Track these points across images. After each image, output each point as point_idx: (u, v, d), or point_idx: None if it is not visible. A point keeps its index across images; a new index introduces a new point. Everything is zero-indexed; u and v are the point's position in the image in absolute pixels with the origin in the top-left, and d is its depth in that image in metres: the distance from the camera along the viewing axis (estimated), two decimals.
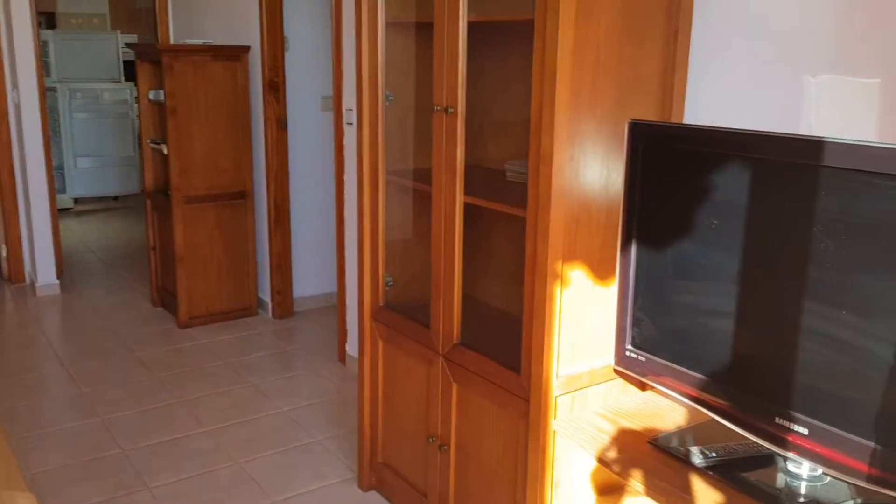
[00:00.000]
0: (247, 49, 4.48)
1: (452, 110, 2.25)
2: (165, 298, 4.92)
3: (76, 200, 8.04)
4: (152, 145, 4.75)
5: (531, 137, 1.97)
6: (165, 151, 4.47)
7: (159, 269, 4.95)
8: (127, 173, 8.11)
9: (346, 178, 3.94)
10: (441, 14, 2.23)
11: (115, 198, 8.32)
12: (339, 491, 2.92)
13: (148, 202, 4.90)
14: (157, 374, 3.97)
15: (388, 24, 2.57)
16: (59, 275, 5.40)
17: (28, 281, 5.47)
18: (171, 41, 5.59)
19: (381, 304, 2.75)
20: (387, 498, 2.84)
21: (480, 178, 2.56)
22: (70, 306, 5.08)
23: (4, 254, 5.51)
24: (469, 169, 2.32)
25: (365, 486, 2.91)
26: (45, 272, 5.25)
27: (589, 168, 1.99)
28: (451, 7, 2.19)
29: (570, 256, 2.01)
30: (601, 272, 2.08)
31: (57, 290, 5.28)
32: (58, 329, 4.74)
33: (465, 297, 2.42)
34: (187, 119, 4.40)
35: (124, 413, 3.52)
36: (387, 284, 2.75)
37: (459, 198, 2.29)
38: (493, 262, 2.75)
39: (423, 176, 2.57)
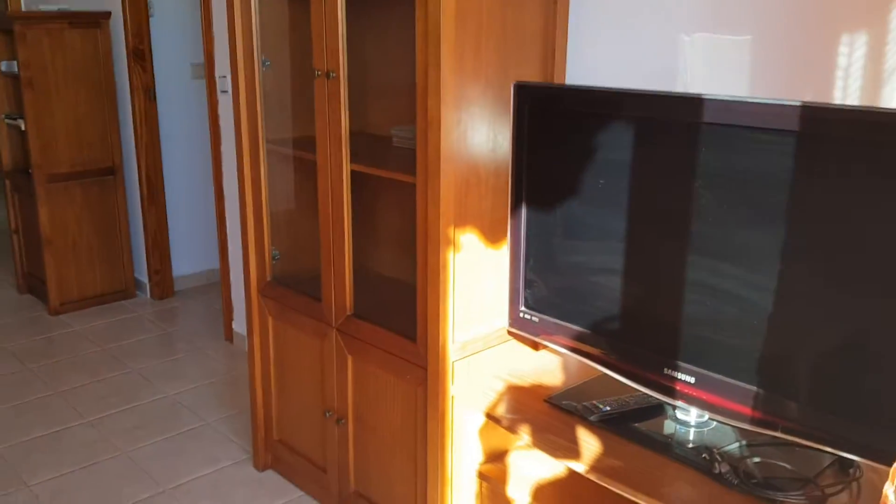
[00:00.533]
0: (107, 15, 4.20)
1: (334, 75, 2.18)
2: (33, 284, 4.61)
3: None
4: (8, 121, 4.40)
5: (417, 102, 1.94)
6: (23, 127, 4.15)
7: (24, 254, 4.62)
8: None
9: (222, 148, 3.78)
10: None
11: None
12: (234, 472, 2.84)
13: (7, 182, 4.56)
14: (28, 365, 3.73)
15: None
16: None
17: None
18: (23, 7, 5.17)
19: (268, 278, 2.66)
20: (284, 476, 2.79)
21: (366, 144, 2.51)
22: None
23: None
24: (354, 136, 2.26)
25: (261, 466, 2.84)
26: None
27: (476, 131, 1.97)
28: None
29: (461, 221, 2.00)
30: (493, 235, 2.08)
31: None
32: None
33: (357, 268, 2.38)
34: (46, 91, 4.10)
35: None
36: (273, 258, 2.67)
37: (346, 166, 2.24)
38: (384, 230, 2.71)
39: (306, 144, 2.49)
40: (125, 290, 4.58)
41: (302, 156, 2.53)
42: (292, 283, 2.62)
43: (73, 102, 4.19)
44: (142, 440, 3.05)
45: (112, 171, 4.40)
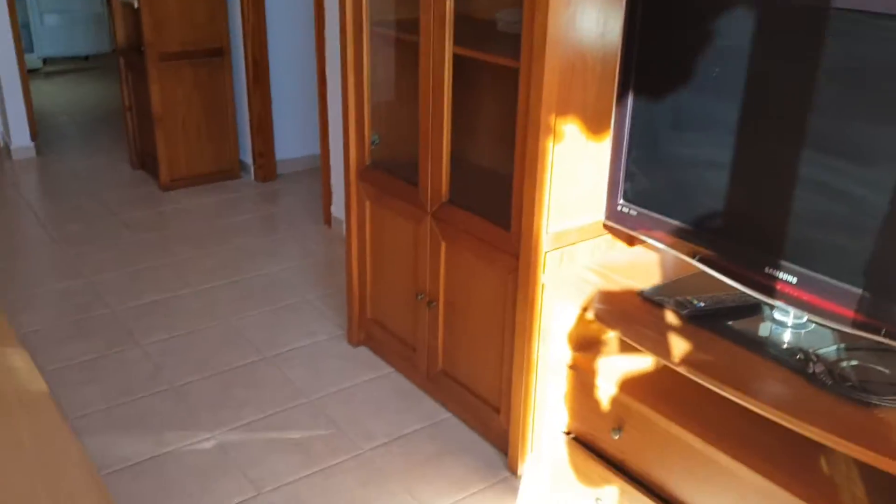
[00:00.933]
0: None
1: None
2: (145, 160, 4.83)
3: (45, 61, 7.73)
4: None
5: None
6: (136, 5, 4.25)
7: (137, 131, 4.82)
8: (97, 31, 7.76)
9: (326, 32, 3.78)
10: None
11: (86, 58, 8.00)
12: (330, 346, 2.97)
13: (121, 60, 4.71)
14: (141, 235, 3.95)
15: None
16: (34, 137, 5.26)
17: (2, 143, 5.33)
18: None
19: (367, 163, 2.70)
20: (376, 352, 2.90)
21: (470, 28, 2.45)
22: (47, 170, 4.98)
23: None
24: (458, 19, 2.22)
25: (354, 342, 2.96)
26: (19, 135, 5.11)
27: (586, 15, 1.90)
28: None
29: (563, 109, 1.96)
30: (595, 125, 2.03)
31: (33, 153, 5.16)
32: (37, 192, 4.67)
33: (454, 155, 2.38)
34: None
35: (111, 274, 3.52)
36: (372, 143, 2.69)
37: (449, 49, 2.20)
38: (483, 117, 2.68)
39: (409, 27, 2.46)
40: (230, 171, 4.74)
41: (405, 38, 2.50)
42: (390, 168, 2.64)
43: None
44: (244, 311, 3.22)
45: (220, 53, 4.48)
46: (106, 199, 4.44)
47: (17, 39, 5.05)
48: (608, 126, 2.01)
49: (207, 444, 2.42)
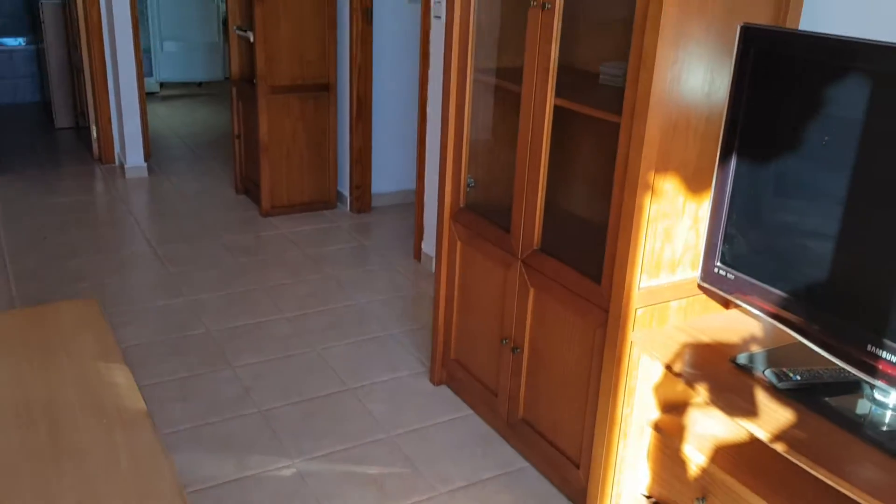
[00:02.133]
0: None
1: (549, 6, 2.15)
2: (248, 186, 5.02)
3: (162, 85, 8.17)
4: (239, 32, 4.74)
5: (633, 37, 1.87)
6: (252, 39, 4.46)
7: (243, 158, 5.03)
8: (211, 59, 8.16)
9: (430, 73, 3.87)
10: None
11: (200, 84, 8.42)
12: (411, 382, 3.00)
13: (233, 90, 4.94)
14: (240, 259, 4.10)
15: None
16: (147, 157, 5.55)
17: (117, 162, 5.65)
18: None
19: (461, 205, 2.73)
20: (457, 393, 2.91)
21: (573, 79, 2.47)
22: (157, 189, 5.24)
23: (95, 135, 5.68)
24: (561, 69, 2.24)
25: (436, 381, 2.98)
26: (133, 154, 5.40)
27: (692, 73, 1.89)
28: None
29: (663, 166, 1.94)
30: (695, 184, 2.01)
31: (144, 173, 5.44)
32: (145, 211, 4.91)
33: (548, 203, 2.39)
34: (274, 8, 4.36)
35: (209, 295, 3.66)
36: (468, 186, 2.73)
37: (550, 100, 2.22)
38: (579, 167, 2.68)
39: (511, 75, 2.49)
40: (328, 201, 4.87)
41: (506, 87, 2.54)
42: (484, 212, 2.67)
43: (298, 20, 4.44)
44: (332, 340, 3.29)
45: (327, 88, 4.64)
46: (209, 221, 4.63)
47: (138, 64, 5.36)
48: (709, 186, 1.98)
49: (287, 472, 2.47)
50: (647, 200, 1.94)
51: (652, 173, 1.93)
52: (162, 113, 7.35)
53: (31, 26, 7.30)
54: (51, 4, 6.26)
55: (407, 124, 4.78)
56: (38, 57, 7.17)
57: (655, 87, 1.84)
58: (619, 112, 1.97)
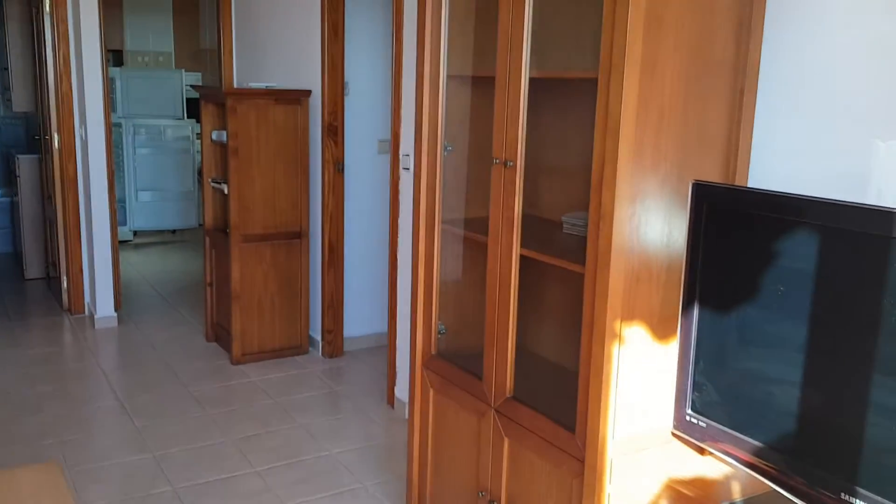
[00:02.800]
0: (308, 93, 4.58)
1: (511, 164, 2.25)
2: (219, 334, 4.99)
3: (135, 233, 8.25)
4: (213, 185, 4.86)
5: (591, 194, 1.96)
6: (226, 191, 4.57)
7: (215, 305, 5.03)
8: (185, 208, 8.30)
9: (399, 221, 3.97)
10: (503, 70, 2.25)
11: (174, 231, 8.51)
12: None
13: (207, 239, 5.00)
14: (209, 410, 4.02)
15: (448, 77, 2.60)
16: (118, 307, 5.53)
17: (87, 312, 5.61)
18: (235, 82, 5.74)
19: (432, 352, 2.74)
20: None
21: (537, 228, 2.55)
22: (127, 339, 5.18)
23: (65, 285, 5.67)
24: (525, 218, 2.31)
25: None
26: (103, 304, 5.38)
27: (650, 226, 1.96)
28: (513, 64, 2.21)
29: (628, 315, 1.98)
30: (661, 331, 2.04)
31: (114, 323, 5.40)
32: (114, 361, 4.84)
33: (519, 349, 2.40)
34: (248, 160, 4.50)
35: (176, 449, 3.56)
36: (439, 332, 2.74)
37: (516, 251, 2.29)
38: (548, 312, 2.72)
39: (477, 225, 2.57)
40: (299, 346, 4.85)
41: (473, 237, 2.61)
42: (455, 359, 2.68)
43: (271, 171, 4.57)
44: (303, 495, 3.19)
45: (299, 236, 4.73)
46: (179, 370, 4.56)
47: (112, 216, 5.44)
48: (675, 334, 2.02)
49: None
50: (614, 350, 1.97)
51: (618, 322, 1.96)
52: (135, 260, 7.39)
53: (6, 180, 7.42)
54: (26, 158, 6.40)
55: (378, 269, 4.85)
56: (12, 209, 7.24)
57: (616, 239, 1.91)
58: (583, 262, 2.03)
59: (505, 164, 2.28)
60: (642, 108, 1.89)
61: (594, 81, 1.95)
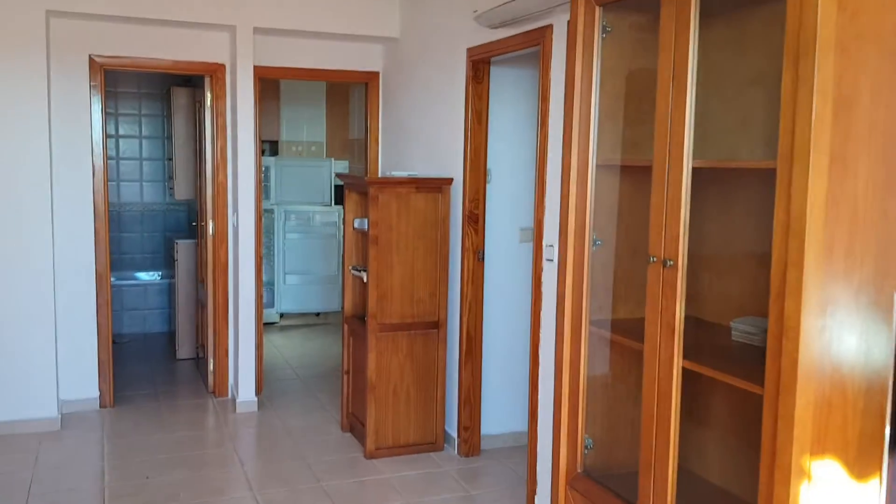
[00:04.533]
0: (450, 182, 4.50)
1: (672, 264, 2.00)
2: (354, 424, 4.88)
3: (282, 315, 8.44)
4: (353, 272, 4.84)
5: (771, 303, 1.67)
6: (365, 279, 4.53)
7: (351, 394, 4.94)
8: (330, 290, 8.43)
9: (542, 314, 3.74)
10: (662, 159, 2.03)
11: (318, 314, 8.65)
12: None
13: (345, 327, 4.96)
14: None
15: (597, 166, 2.40)
16: (259, 391, 5.56)
17: (230, 395, 5.68)
18: (380, 171, 5.80)
19: (578, 469, 2.46)
20: None
21: (700, 333, 2.26)
22: (266, 424, 5.17)
23: (212, 367, 5.78)
24: (686, 321, 2.04)
25: None
26: (245, 389, 5.42)
27: (844, 342, 1.65)
28: (674, 152, 1.98)
29: (819, 448, 1.65)
30: (858, 468, 1.69)
31: (255, 407, 5.42)
32: (252, 449, 4.81)
33: (680, 470, 2.09)
34: (388, 248, 4.45)
35: None
36: (586, 447, 2.47)
37: (678, 363, 2.01)
38: (714, 430, 2.39)
39: (630, 329, 2.31)
40: (434, 443, 4.64)
41: (626, 342, 2.35)
42: (605, 479, 2.39)
43: (411, 259, 4.49)
44: None
45: (436, 326, 4.58)
46: (313, 461, 4.46)
47: (259, 300, 5.53)
48: (877, 469, 1.66)
49: None
50: (802, 489, 1.64)
51: (806, 457, 1.64)
52: (279, 343, 7.51)
53: (167, 262, 7.83)
54: (185, 243, 6.70)
55: (519, 363, 4.61)
56: (170, 291, 7.60)
57: (803, 358, 1.61)
58: (760, 381, 1.73)
59: (664, 264, 2.03)
60: (832, 204, 1.62)
61: (767, 171, 1.70)
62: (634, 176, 2.42)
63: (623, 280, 2.49)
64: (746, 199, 2.26)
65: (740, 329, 2.16)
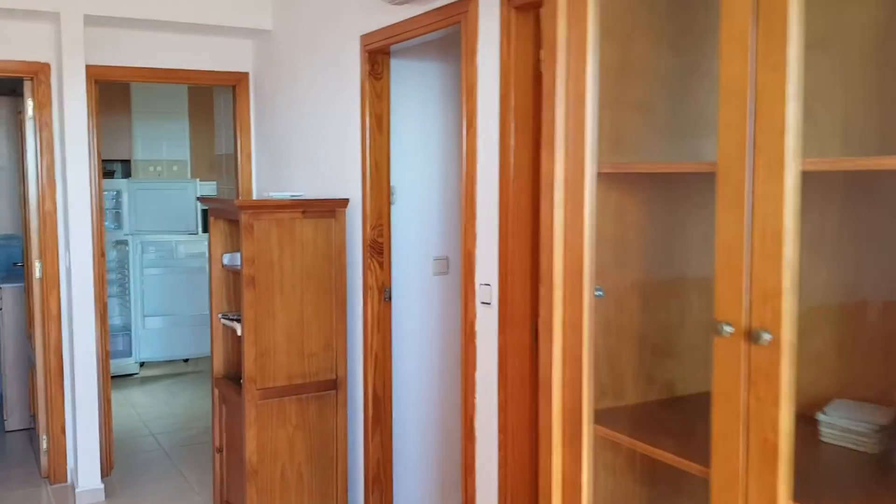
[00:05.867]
0: (345, 203, 3.56)
1: (770, 338, 1.15)
2: None
3: (142, 364, 7.19)
4: (224, 321, 3.81)
5: None
6: (240, 332, 3.51)
7: (225, 477, 3.88)
8: (200, 333, 7.23)
9: (477, 377, 2.86)
10: (737, 156, 1.18)
11: (186, 360, 7.45)
12: None
13: (215, 392, 3.91)
14: None
15: (599, 175, 1.54)
16: (108, 472, 4.41)
17: (69, 481, 4.48)
18: (254, 191, 4.79)
19: None
20: None
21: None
22: None
23: (45, 446, 4.56)
24: None
25: None
26: (87, 474, 4.24)
27: None
28: (765, 144, 1.14)
29: None
30: None
31: (101, 496, 4.25)
32: None
33: None
34: (268, 291, 3.45)
35: None
36: None
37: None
38: None
39: (668, 430, 1.46)
40: None
41: (663, 456, 1.48)
42: None
43: (298, 305, 3.51)
44: None
45: (335, 386, 3.61)
46: None
47: (104, 357, 4.41)
48: None
49: None
50: None
51: None
52: (138, 400, 6.29)
53: None
54: (10, 288, 5.43)
55: (440, 434, 3.70)
56: None
57: None
58: None
59: (752, 338, 1.18)
60: None
61: None
62: (664, 187, 1.58)
63: (645, 350, 1.64)
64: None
65: (831, 422, 1.34)
